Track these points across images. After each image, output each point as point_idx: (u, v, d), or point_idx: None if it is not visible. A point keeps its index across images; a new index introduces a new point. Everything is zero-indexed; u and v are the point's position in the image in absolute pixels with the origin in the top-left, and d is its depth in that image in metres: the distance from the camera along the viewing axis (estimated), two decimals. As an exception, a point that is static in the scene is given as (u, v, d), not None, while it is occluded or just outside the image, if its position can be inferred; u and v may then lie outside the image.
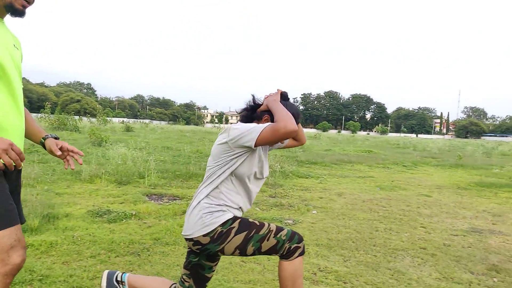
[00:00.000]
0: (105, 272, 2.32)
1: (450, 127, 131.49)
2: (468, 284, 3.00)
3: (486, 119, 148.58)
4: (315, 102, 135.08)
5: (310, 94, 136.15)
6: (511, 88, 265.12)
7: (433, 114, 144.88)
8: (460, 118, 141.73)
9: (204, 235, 1.91)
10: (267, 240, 1.94)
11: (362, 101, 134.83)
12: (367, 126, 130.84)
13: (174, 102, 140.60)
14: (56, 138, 1.82)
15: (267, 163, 2.12)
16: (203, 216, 1.92)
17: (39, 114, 25.25)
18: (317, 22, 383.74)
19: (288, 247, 1.96)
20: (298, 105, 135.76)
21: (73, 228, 3.78)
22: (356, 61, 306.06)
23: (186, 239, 1.98)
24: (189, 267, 2.09)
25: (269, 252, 1.97)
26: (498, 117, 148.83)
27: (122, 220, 4.24)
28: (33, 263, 2.83)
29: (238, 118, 2.18)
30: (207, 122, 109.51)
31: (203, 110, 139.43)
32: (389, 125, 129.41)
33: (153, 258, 3.22)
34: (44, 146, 1.81)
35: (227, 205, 1.96)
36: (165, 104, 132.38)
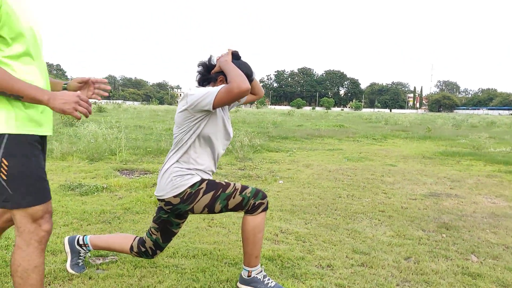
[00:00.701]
0: (66, 239, 2.40)
1: (424, 102, 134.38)
2: (418, 240, 3.22)
3: (459, 93, 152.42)
4: (289, 79, 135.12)
5: (284, 71, 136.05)
6: (483, 62, 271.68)
7: (406, 89, 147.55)
8: (433, 92, 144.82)
9: (174, 196, 2.03)
10: (233, 198, 2.07)
11: (335, 77, 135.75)
12: (341, 102, 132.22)
13: (147, 82, 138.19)
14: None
15: (229, 122, 2.21)
16: (173, 179, 2.03)
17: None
18: (290, 1, 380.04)
19: (253, 203, 2.10)
20: (272, 82, 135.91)
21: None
22: (329, 38, 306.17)
23: (158, 199, 2.10)
24: (158, 222, 2.21)
25: (236, 208, 2.10)
26: (471, 90, 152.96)
27: (94, 193, 4.32)
28: (8, 231, 2.86)
29: (196, 76, 2.23)
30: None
31: (176, 90, 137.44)
32: (363, 100, 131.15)
33: (124, 225, 3.31)
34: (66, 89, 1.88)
35: (196, 169, 2.06)
36: (137, 84, 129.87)
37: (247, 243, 2.16)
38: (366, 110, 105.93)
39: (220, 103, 1.92)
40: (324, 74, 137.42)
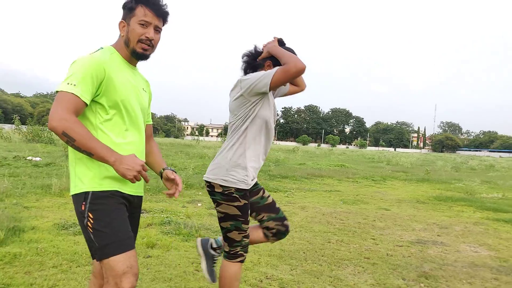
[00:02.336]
0: (198, 240, 2.62)
1: (427, 142, 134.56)
2: (396, 289, 3.35)
3: (461, 134, 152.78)
4: (295, 115, 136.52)
5: (291, 107, 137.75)
6: (485, 104, 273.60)
7: (410, 129, 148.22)
8: (436, 133, 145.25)
9: (221, 185, 2.20)
10: (238, 233, 2.27)
11: (341, 115, 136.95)
12: (346, 139, 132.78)
13: (155, 114, 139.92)
14: (174, 171, 2.01)
15: (276, 110, 2.40)
16: (228, 169, 2.19)
17: (13, 126, 24.96)
18: (296, 38, 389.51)
19: (237, 250, 2.30)
20: (279, 118, 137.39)
21: (38, 241, 3.99)
22: (336, 76, 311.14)
23: (205, 181, 2.29)
24: (254, 209, 2.42)
25: (228, 240, 2.30)
26: (472, 132, 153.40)
27: (88, 232, 4.45)
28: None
29: (242, 66, 2.37)
30: (187, 135, 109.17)
31: (183, 123, 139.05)
32: (368, 139, 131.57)
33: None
34: (161, 176, 2.04)
35: (245, 166, 2.19)
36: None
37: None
38: (371, 148, 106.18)
39: (278, 83, 2.04)
40: (330, 112, 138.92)
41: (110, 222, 1.69)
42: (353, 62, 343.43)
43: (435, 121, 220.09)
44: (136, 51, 1.84)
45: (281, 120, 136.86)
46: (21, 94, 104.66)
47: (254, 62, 2.31)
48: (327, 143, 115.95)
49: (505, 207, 8.11)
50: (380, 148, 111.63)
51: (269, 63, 2.26)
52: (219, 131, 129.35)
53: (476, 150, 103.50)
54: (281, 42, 2.28)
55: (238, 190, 2.19)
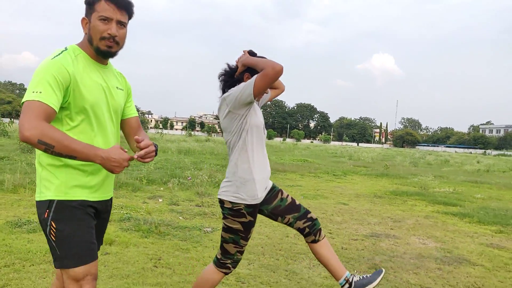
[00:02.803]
0: None
1: (389, 137, 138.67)
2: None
3: (421, 130, 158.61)
4: (261, 110, 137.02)
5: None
6: (443, 102, 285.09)
7: (373, 124, 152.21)
8: (397, 128, 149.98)
9: (230, 202, 2.27)
10: (234, 246, 2.35)
11: (306, 110, 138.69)
12: (311, 134, 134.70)
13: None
14: (155, 144, 1.89)
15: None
16: (238, 186, 2.25)
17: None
18: (261, 32, 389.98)
19: (227, 262, 2.39)
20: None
21: (-10, 239, 3.88)
22: (300, 71, 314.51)
23: (219, 201, 2.35)
24: (275, 214, 2.50)
25: (222, 249, 2.38)
26: (431, 128, 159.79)
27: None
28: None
29: (220, 85, 2.40)
30: (151, 128, 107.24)
31: (147, 115, 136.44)
32: (331, 133, 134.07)
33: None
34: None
35: (253, 179, 2.26)
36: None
37: (197, 286, 2.42)
38: (334, 143, 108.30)
39: (260, 89, 2.10)
40: (295, 107, 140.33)
41: (72, 234, 1.67)
42: (319, 56, 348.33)
43: (397, 117, 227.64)
44: (100, 49, 1.75)
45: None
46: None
47: (232, 79, 2.36)
48: (292, 137, 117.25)
49: (455, 200, 8.59)
50: (344, 143, 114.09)
51: (247, 75, 2.32)
52: (184, 124, 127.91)
53: (434, 146, 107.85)
54: (252, 53, 2.35)
55: (247, 206, 2.28)
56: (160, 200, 6.61)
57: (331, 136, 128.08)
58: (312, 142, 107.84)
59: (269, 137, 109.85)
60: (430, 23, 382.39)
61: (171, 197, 6.88)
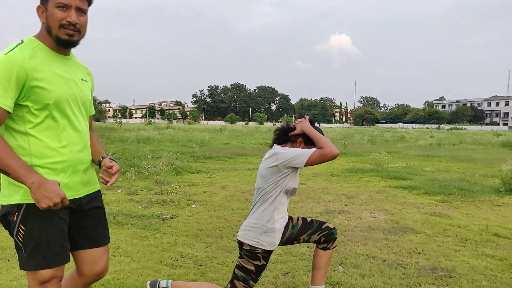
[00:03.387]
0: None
1: (349, 116, 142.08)
2: (300, 256, 3.75)
3: (379, 108, 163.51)
4: (222, 94, 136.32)
5: (217, 86, 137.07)
6: (399, 80, 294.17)
7: (333, 104, 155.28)
8: (357, 107, 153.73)
9: (249, 245, 2.39)
10: (243, 285, 2.44)
11: (267, 93, 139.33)
12: (273, 117, 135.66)
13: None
14: (113, 160, 1.91)
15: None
16: (258, 235, 2.37)
17: None
18: (218, 15, 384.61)
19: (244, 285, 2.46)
20: (205, 97, 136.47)
21: None
22: (260, 54, 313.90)
23: (238, 241, 2.46)
24: (289, 241, 2.62)
25: (232, 284, 2.46)
26: (389, 106, 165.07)
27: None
28: None
29: (274, 137, 2.58)
30: (109, 117, 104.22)
31: (104, 104, 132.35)
32: (293, 115, 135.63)
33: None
34: (99, 165, 1.92)
35: (274, 228, 2.39)
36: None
37: None
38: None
39: (312, 163, 2.28)
40: (256, 90, 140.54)
41: (40, 237, 1.63)
42: (277, 38, 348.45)
43: (356, 96, 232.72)
44: (61, 38, 1.65)
45: (208, 99, 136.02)
46: None
47: (286, 136, 2.54)
48: (254, 120, 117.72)
49: (406, 174, 9.07)
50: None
51: (300, 140, 2.49)
52: (144, 112, 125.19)
53: (393, 123, 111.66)
54: (311, 121, 2.55)
55: (265, 251, 2.41)
56: (119, 191, 6.58)
57: (293, 118, 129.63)
58: (275, 124, 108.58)
59: (232, 121, 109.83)
60: (384, 2, 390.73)
61: (130, 187, 6.86)
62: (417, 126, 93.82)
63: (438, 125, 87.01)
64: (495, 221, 5.09)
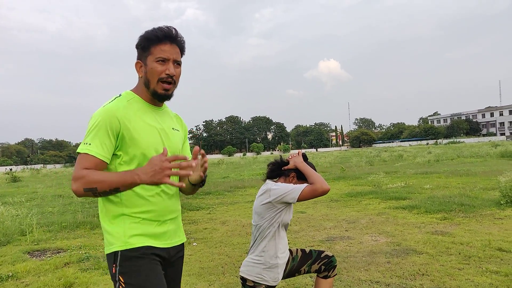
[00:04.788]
0: None
1: (345, 139, 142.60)
2: (305, 286, 3.71)
3: (375, 128, 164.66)
4: (218, 128, 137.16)
5: (212, 120, 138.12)
6: (391, 99, 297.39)
7: (328, 128, 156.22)
8: (352, 130, 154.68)
9: (253, 281, 2.44)
10: None
11: (262, 123, 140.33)
12: (270, 146, 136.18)
13: (70, 142, 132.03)
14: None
15: None
16: (263, 268, 2.43)
17: None
18: (208, 51, 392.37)
19: None
20: (201, 132, 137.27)
21: None
22: (252, 85, 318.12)
23: (241, 277, 2.51)
24: (290, 274, 2.67)
25: None
26: (384, 125, 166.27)
27: (-3, 284, 4.25)
28: None
29: (267, 172, 2.65)
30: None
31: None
32: (290, 143, 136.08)
33: (26, 316, 3.39)
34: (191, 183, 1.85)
35: (277, 264, 2.46)
36: (59, 146, 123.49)
37: None
38: (294, 152, 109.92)
39: (303, 198, 2.33)
40: (251, 121, 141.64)
41: (142, 285, 1.60)
42: (268, 69, 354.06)
43: (350, 119, 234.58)
44: (158, 93, 1.72)
45: (204, 134, 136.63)
46: None
47: (279, 170, 2.61)
48: (252, 151, 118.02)
49: (405, 194, 9.07)
50: (303, 150, 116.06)
51: (293, 174, 2.56)
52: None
53: (389, 142, 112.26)
54: (305, 157, 2.65)
55: (268, 287, 2.47)
56: (119, 235, 6.54)
57: (290, 145, 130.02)
58: (272, 153, 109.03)
59: (229, 153, 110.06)
60: (370, 25, 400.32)
61: (130, 230, 6.82)
62: (414, 143, 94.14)
63: (435, 140, 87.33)
64: (498, 235, 5.08)
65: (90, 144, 1.59)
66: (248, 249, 2.60)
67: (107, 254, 1.66)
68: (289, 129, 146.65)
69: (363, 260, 4.41)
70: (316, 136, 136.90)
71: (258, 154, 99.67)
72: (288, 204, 2.44)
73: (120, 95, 1.73)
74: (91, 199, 11.85)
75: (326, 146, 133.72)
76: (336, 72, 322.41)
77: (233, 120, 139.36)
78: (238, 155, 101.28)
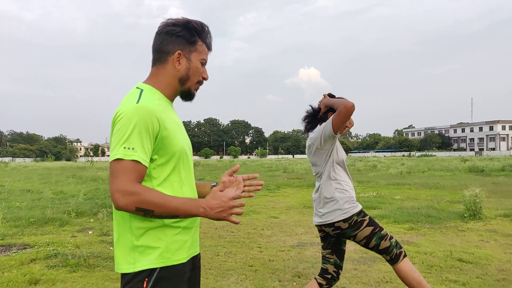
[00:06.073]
0: None
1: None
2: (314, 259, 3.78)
3: (351, 137, 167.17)
4: (196, 129, 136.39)
5: (190, 121, 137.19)
6: (369, 110, 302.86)
7: (306, 136, 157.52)
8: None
9: (344, 221, 2.48)
10: (385, 240, 2.53)
11: (241, 127, 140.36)
12: (247, 150, 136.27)
13: (41, 136, 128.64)
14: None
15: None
16: (341, 205, 2.50)
17: None
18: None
19: (395, 252, 2.55)
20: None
21: None
22: (232, 89, 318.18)
23: (326, 225, 2.56)
24: (329, 247, 2.70)
25: (382, 252, 2.54)
26: (360, 135, 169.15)
27: (-43, 281, 4.14)
28: None
29: (305, 126, 2.79)
30: (80, 156, 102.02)
31: (75, 143, 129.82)
32: (267, 148, 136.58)
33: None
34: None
35: (348, 187, 2.57)
36: (30, 139, 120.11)
37: (413, 281, 2.53)
38: (271, 157, 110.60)
39: (338, 125, 2.47)
40: (229, 124, 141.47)
41: None
42: (249, 73, 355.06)
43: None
44: (191, 92, 1.60)
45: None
46: None
47: (316, 119, 2.75)
48: (229, 154, 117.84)
49: (376, 204, 9.29)
50: (280, 156, 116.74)
51: (330, 114, 2.68)
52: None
53: (365, 152, 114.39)
54: (331, 95, 2.75)
55: (357, 214, 2.51)
56: (90, 232, 6.48)
57: (267, 150, 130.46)
58: (249, 157, 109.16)
59: (206, 155, 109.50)
60: (351, 36, 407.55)
61: (102, 228, 6.76)
62: (389, 154, 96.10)
63: (409, 152, 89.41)
64: (459, 247, 5.29)
65: (134, 149, 1.37)
66: (316, 205, 2.70)
67: (134, 272, 1.42)
68: (267, 134, 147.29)
69: (331, 266, 4.52)
70: (293, 142, 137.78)
71: (235, 158, 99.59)
72: (332, 140, 2.56)
73: (142, 90, 1.51)
74: (62, 195, 11.64)
75: (302, 153, 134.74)
76: (315, 80, 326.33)
77: (211, 122, 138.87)
78: (215, 157, 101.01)
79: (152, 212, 1.36)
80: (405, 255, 2.59)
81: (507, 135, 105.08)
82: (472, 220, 7.05)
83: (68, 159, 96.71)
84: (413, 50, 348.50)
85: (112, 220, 7.45)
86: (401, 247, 2.62)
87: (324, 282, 2.69)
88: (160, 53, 1.56)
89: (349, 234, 2.54)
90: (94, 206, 8.73)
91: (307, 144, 2.69)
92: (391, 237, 2.61)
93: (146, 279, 1.42)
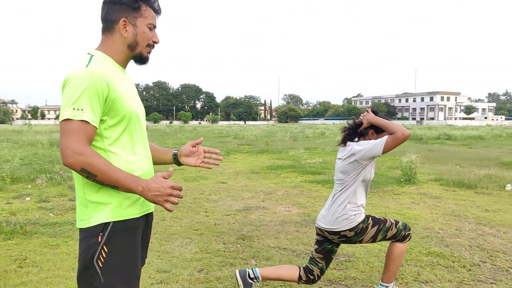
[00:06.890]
0: (237, 272, 2.81)
1: (273, 113, 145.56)
2: (216, 253, 3.88)
3: (302, 105, 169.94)
4: (144, 93, 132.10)
5: (138, 84, 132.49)
6: (320, 77, 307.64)
7: (258, 102, 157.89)
8: (281, 105, 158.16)
9: (350, 230, 2.57)
10: (391, 230, 2.64)
11: (191, 91, 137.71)
12: (198, 115, 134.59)
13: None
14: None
15: None
16: (349, 217, 2.57)
17: None
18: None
19: (404, 234, 2.71)
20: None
21: None
22: (183, 51, 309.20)
23: (331, 232, 2.62)
24: (322, 252, 2.74)
25: (391, 238, 2.69)
26: (311, 103, 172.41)
27: None
28: None
29: (341, 137, 2.74)
30: (17, 119, 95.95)
31: (10, 105, 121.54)
32: (219, 113, 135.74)
33: None
34: (177, 161, 1.87)
35: (360, 205, 2.63)
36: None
37: (393, 264, 2.75)
38: (222, 123, 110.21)
39: (389, 148, 2.46)
40: (180, 88, 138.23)
41: (123, 261, 1.54)
42: (201, 34, 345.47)
43: (279, 94, 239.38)
44: (143, 56, 1.67)
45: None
46: None
47: (355, 133, 2.72)
48: (179, 119, 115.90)
49: (322, 169, 9.62)
50: (231, 122, 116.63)
51: (371, 131, 2.68)
52: (58, 113, 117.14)
53: (315, 119, 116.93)
54: (375, 112, 2.68)
55: (362, 221, 2.61)
56: (27, 199, 6.21)
57: (219, 116, 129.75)
58: (200, 123, 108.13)
59: (155, 120, 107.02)
60: None
61: (40, 194, 6.50)
62: (338, 122, 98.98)
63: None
64: (393, 208, 5.66)
65: (83, 109, 1.44)
66: (326, 208, 2.74)
67: (90, 227, 1.51)
68: (219, 99, 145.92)
69: (275, 228, 4.68)
70: (245, 108, 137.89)
71: (185, 123, 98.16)
72: (372, 159, 2.59)
73: (92, 55, 1.56)
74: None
75: (254, 119, 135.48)
76: (268, 42, 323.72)
77: (161, 86, 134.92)
78: (165, 122, 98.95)
79: (95, 176, 1.43)
80: (410, 238, 2.82)
81: (445, 105, 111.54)
82: (407, 184, 7.53)
83: (3, 122, 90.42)
84: (361, 20, 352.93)
85: (52, 186, 7.20)
86: (409, 229, 2.77)
87: (305, 278, 2.80)
88: (107, 23, 1.62)
89: (355, 241, 2.67)
90: (32, 171, 8.33)
91: (343, 152, 2.68)
92: (397, 223, 2.75)
93: (101, 233, 1.50)
